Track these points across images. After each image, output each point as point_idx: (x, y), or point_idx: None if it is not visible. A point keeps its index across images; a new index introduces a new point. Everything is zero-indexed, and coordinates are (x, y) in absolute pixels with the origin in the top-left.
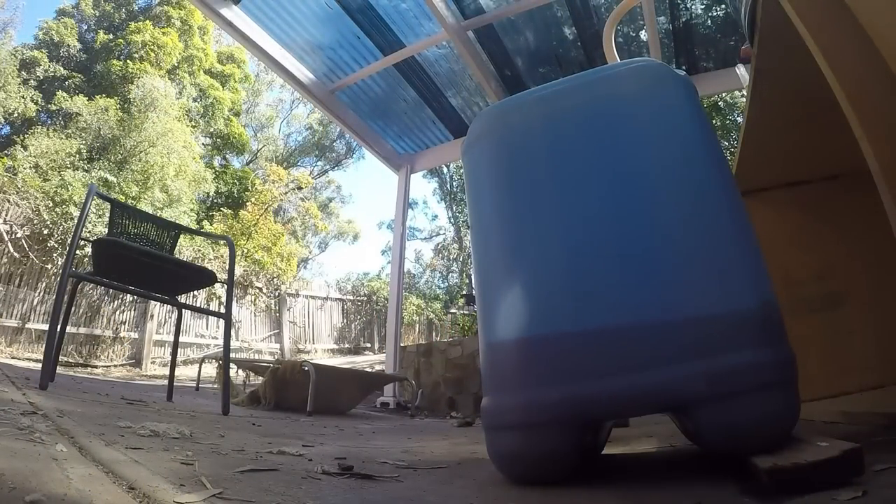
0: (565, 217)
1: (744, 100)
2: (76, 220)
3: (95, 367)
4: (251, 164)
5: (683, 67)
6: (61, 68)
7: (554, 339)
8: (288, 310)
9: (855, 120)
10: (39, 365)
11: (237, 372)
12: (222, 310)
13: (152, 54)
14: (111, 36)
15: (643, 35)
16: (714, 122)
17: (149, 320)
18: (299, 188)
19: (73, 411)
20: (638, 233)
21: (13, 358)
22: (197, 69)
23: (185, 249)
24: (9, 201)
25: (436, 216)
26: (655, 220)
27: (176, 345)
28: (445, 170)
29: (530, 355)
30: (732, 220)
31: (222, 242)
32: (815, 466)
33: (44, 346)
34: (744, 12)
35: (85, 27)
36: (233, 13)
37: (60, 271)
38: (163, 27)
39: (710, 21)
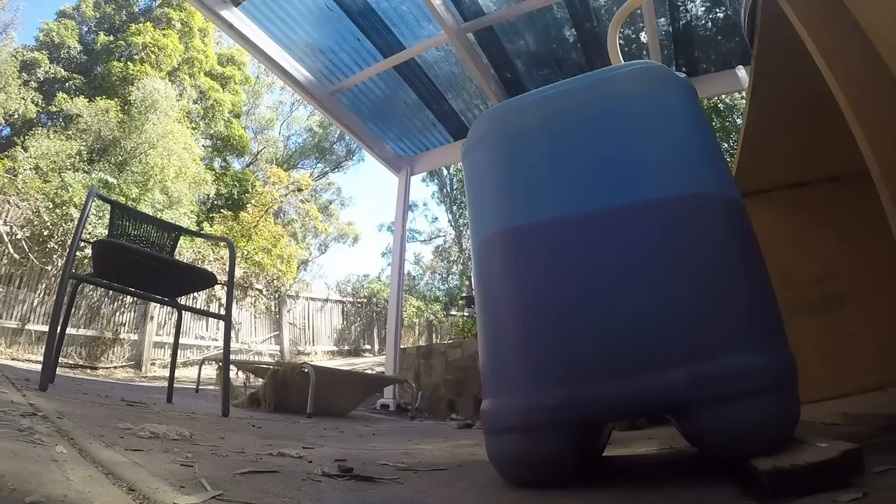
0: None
1: (744, 102)
2: (76, 222)
3: (95, 368)
4: (251, 166)
5: (683, 69)
6: (62, 70)
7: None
8: (288, 311)
9: (855, 122)
10: (39, 366)
11: (237, 374)
12: (222, 311)
13: (153, 56)
14: (112, 38)
15: (643, 37)
16: (714, 124)
17: (149, 322)
18: (299, 190)
19: (73, 413)
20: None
21: (13, 359)
22: (197, 71)
23: (185, 251)
24: (9, 202)
25: (436, 218)
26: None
27: (176, 346)
28: (445, 172)
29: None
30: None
31: (222, 244)
32: (814, 468)
33: (44, 347)
34: (743, 14)
35: (85, 29)
36: (233, 15)
37: (60, 273)
38: (163, 29)
39: (709, 23)
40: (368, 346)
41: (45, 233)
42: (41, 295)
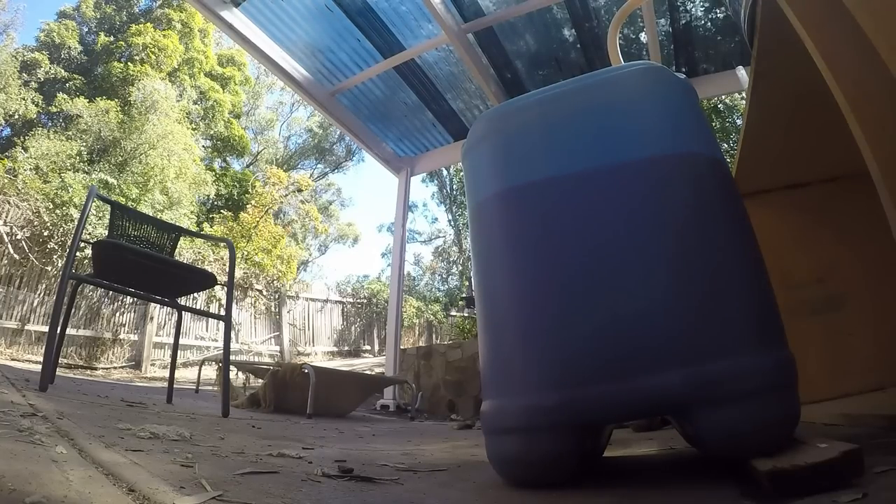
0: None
1: (743, 102)
2: (76, 222)
3: (95, 369)
4: (251, 167)
5: (683, 70)
6: (62, 70)
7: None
8: (288, 312)
9: (854, 122)
10: (39, 367)
11: (237, 374)
12: (222, 312)
13: (153, 57)
14: (112, 38)
15: (643, 37)
16: (714, 124)
17: (148, 322)
18: (299, 191)
19: (72, 413)
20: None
21: (13, 360)
22: (197, 72)
23: (185, 251)
24: (9, 203)
25: (436, 219)
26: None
27: (176, 347)
28: (445, 172)
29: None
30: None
31: (222, 245)
32: (814, 468)
33: (43, 347)
34: (743, 15)
35: (86, 29)
36: (233, 16)
37: (60, 273)
38: (164, 30)
39: (709, 23)
40: (368, 347)
41: (45, 233)
42: (41, 295)
